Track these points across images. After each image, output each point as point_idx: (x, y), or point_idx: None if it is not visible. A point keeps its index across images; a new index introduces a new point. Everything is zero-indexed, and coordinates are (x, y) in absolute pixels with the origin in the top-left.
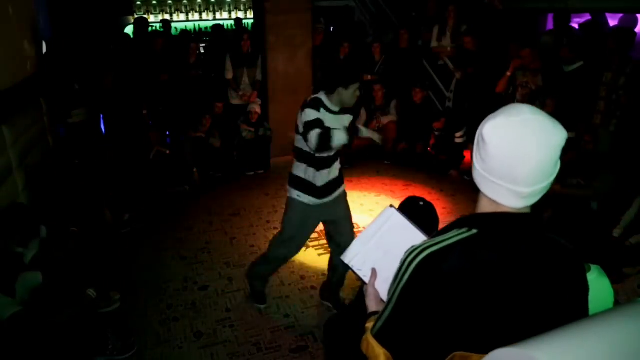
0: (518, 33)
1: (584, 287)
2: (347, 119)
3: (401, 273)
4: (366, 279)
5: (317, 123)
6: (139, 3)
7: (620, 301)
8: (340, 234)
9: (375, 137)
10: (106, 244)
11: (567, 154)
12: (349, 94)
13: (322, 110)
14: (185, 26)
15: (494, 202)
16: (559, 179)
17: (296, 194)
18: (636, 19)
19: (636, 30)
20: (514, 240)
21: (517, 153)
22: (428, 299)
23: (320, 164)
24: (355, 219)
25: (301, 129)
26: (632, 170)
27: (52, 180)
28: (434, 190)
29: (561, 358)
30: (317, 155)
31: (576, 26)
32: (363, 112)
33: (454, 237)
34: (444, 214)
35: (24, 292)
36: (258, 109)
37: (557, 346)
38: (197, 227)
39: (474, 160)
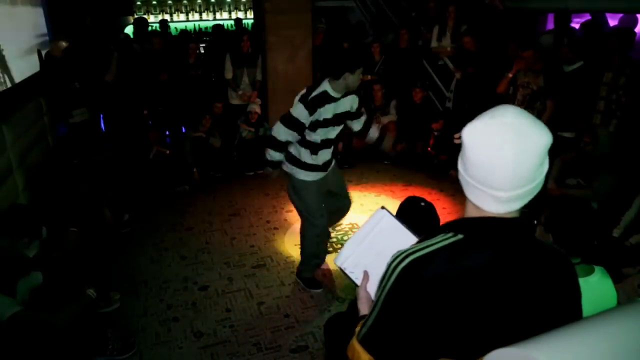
0: (518, 33)
1: (575, 291)
2: (350, 100)
3: (386, 278)
4: (358, 282)
5: (294, 124)
6: (139, 3)
7: (620, 301)
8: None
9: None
10: (106, 244)
11: (567, 154)
12: (355, 78)
13: (319, 110)
14: (185, 26)
15: (477, 206)
16: (559, 179)
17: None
18: (636, 19)
19: (636, 30)
20: (500, 245)
21: (492, 158)
22: (412, 305)
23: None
24: (355, 218)
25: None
26: (632, 171)
27: (52, 180)
28: (434, 190)
29: (561, 358)
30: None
31: (576, 26)
32: (363, 112)
33: (440, 242)
34: (444, 214)
35: (25, 292)
36: (258, 109)
37: (557, 346)
38: (197, 227)
39: (458, 164)
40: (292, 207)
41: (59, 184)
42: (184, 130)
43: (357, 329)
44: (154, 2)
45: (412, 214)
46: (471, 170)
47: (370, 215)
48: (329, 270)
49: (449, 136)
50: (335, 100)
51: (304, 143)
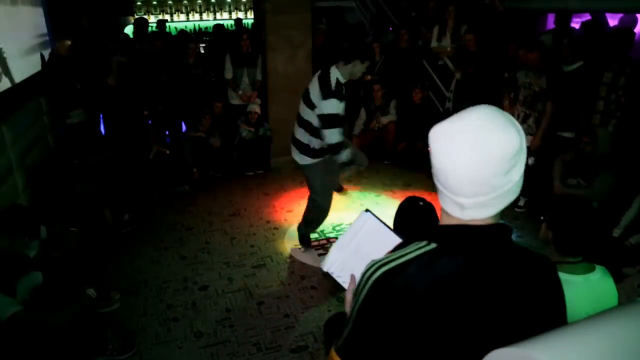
0: (518, 33)
1: (557, 296)
2: (343, 106)
3: (359, 289)
4: (345, 285)
5: (338, 120)
6: (139, 3)
7: (620, 301)
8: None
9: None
10: (106, 244)
11: (567, 154)
12: (361, 68)
13: (340, 99)
14: (185, 26)
15: (447, 213)
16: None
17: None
18: (636, 19)
19: (636, 30)
20: (473, 253)
21: (451, 163)
22: (386, 316)
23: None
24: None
25: (319, 111)
26: (632, 170)
27: (52, 180)
28: (434, 190)
29: (561, 358)
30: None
31: (576, 26)
32: (363, 112)
33: (414, 251)
34: None
35: (25, 291)
36: (258, 109)
37: (557, 346)
38: (197, 227)
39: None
40: (292, 207)
41: (59, 184)
42: (184, 130)
43: (336, 339)
44: (154, 2)
45: (411, 214)
46: (436, 174)
47: (355, 218)
48: None
49: None
50: (343, 94)
51: (317, 133)
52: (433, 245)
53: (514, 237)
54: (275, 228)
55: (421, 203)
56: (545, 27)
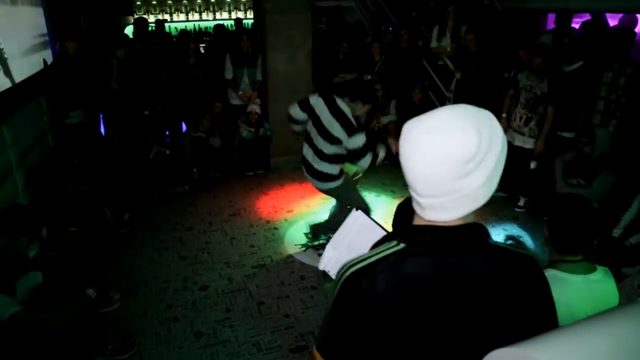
0: (518, 33)
1: (541, 297)
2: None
3: (334, 288)
4: None
5: (368, 146)
6: (139, 3)
7: (620, 301)
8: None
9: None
10: (106, 244)
11: (567, 154)
12: (362, 110)
13: (363, 131)
14: (185, 26)
15: (416, 213)
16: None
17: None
18: (636, 19)
19: (636, 30)
20: (441, 254)
21: (408, 161)
22: (355, 315)
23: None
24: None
25: (349, 146)
26: (632, 170)
27: (52, 180)
28: None
29: (561, 358)
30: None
31: (576, 26)
32: None
33: (383, 251)
34: None
35: (24, 291)
36: (258, 109)
37: (557, 346)
38: (197, 227)
39: None
40: (292, 207)
41: (59, 184)
42: (184, 130)
43: (317, 337)
44: (154, 2)
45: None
46: (403, 171)
47: (346, 219)
48: None
49: None
50: None
51: (340, 160)
52: (402, 245)
53: (514, 236)
54: (275, 228)
55: None
56: (545, 27)
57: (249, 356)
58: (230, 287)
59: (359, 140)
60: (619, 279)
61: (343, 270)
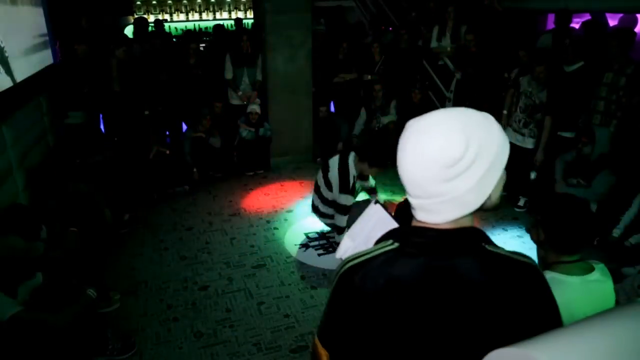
0: (518, 33)
1: (541, 304)
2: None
3: (332, 281)
4: None
5: (348, 209)
6: (139, 3)
7: (620, 301)
8: None
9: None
10: (106, 244)
11: (568, 154)
12: (372, 171)
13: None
14: (185, 26)
15: (412, 213)
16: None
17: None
18: (636, 19)
19: (636, 30)
20: (431, 256)
21: (398, 159)
22: (347, 310)
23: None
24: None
25: (336, 199)
26: (632, 170)
27: (52, 180)
28: None
29: (561, 358)
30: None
31: (576, 26)
32: (363, 112)
33: (379, 249)
34: None
35: (25, 292)
36: (258, 110)
37: (557, 346)
38: (197, 227)
39: None
40: (292, 207)
41: (59, 183)
42: (184, 130)
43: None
44: (154, 2)
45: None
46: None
47: (365, 210)
48: None
49: None
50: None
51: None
52: (396, 245)
53: (514, 236)
54: (275, 228)
55: None
56: (545, 27)
57: (249, 356)
58: (230, 287)
59: (343, 200)
60: (619, 279)
61: (342, 265)
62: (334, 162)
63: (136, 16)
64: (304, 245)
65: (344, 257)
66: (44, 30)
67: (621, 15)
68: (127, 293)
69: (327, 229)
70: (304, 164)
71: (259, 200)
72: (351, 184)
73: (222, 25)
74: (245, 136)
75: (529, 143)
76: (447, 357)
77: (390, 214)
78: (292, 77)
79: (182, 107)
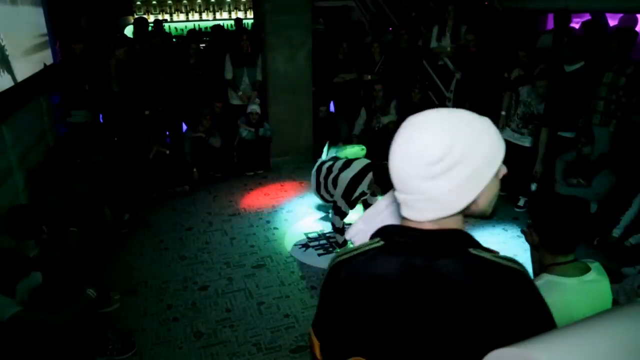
0: (518, 33)
1: (530, 312)
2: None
3: (325, 273)
4: None
5: (344, 214)
6: (139, 3)
7: (620, 301)
8: None
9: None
10: (106, 244)
11: (568, 154)
12: (379, 192)
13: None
14: (185, 26)
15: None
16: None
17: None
18: (636, 19)
19: (637, 29)
20: (412, 256)
21: (390, 152)
22: (333, 302)
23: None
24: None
25: (336, 200)
26: (632, 170)
27: (52, 180)
28: None
29: (561, 358)
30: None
31: (576, 26)
32: (363, 112)
33: (367, 246)
34: None
35: (24, 292)
36: (258, 110)
37: (557, 346)
38: (197, 227)
39: None
40: (292, 207)
41: (59, 184)
42: (184, 129)
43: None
44: (154, 2)
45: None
46: None
47: (383, 197)
48: None
49: None
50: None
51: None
52: (381, 242)
53: (514, 236)
54: (275, 228)
55: None
56: (545, 27)
57: (249, 356)
58: (230, 287)
59: (341, 205)
60: (619, 279)
61: (333, 258)
62: (357, 164)
63: (136, 16)
64: (304, 245)
65: (354, 239)
66: (44, 30)
67: (621, 15)
68: (127, 293)
69: (327, 229)
70: (304, 164)
71: (259, 200)
72: (354, 197)
73: (221, 25)
74: (245, 136)
75: (526, 141)
76: (426, 357)
77: None
78: (292, 77)
79: (182, 107)
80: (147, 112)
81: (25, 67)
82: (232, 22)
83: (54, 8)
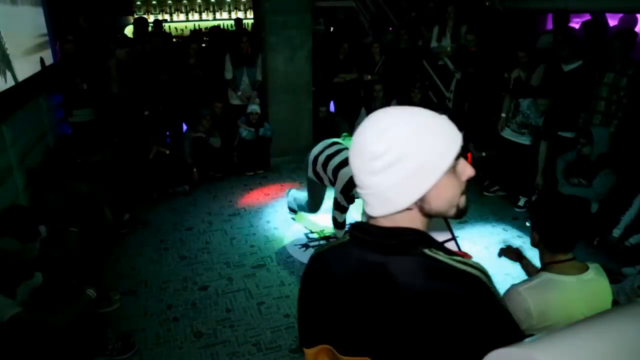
0: (518, 33)
1: (480, 319)
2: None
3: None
4: None
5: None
6: (139, 3)
7: (620, 301)
8: None
9: None
10: (106, 244)
11: (568, 154)
12: None
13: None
14: (185, 26)
15: None
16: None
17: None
18: (636, 19)
19: (637, 29)
20: (366, 252)
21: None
22: (303, 292)
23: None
24: (356, 218)
25: (335, 195)
26: (632, 170)
27: (53, 180)
28: None
29: (561, 358)
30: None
31: (576, 26)
32: (363, 112)
33: (339, 241)
34: None
35: (24, 292)
36: (258, 110)
37: (557, 346)
38: (197, 227)
39: None
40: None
41: (59, 183)
42: (184, 130)
43: None
44: (154, 2)
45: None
46: None
47: None
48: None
49: None
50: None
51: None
52: (347, 237)
53: (514, 236)
54: (275, 228)
55: None
56: (545, 27)
57: (249, 356)
58: (230, 287)
59: (340, 200)
60: (618, 279)
61: (314, 252)
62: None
63: (136, 16)
64: (304, 245)
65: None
66: (44, 30)
67: (621, 15)
68: (127, 293)
69: (327, 229)
70: (304, 164)
71: (259, 200)
72: (353, 192)
73: (219, 26)
74: (245, 136)
75: (526, 140)
76: (374, 352)
77: None
78: (292, 77)
79: (182, 107)
80: (147, 112)
81: (25, 67)
82: (232, 22)
83: (54, 8)
